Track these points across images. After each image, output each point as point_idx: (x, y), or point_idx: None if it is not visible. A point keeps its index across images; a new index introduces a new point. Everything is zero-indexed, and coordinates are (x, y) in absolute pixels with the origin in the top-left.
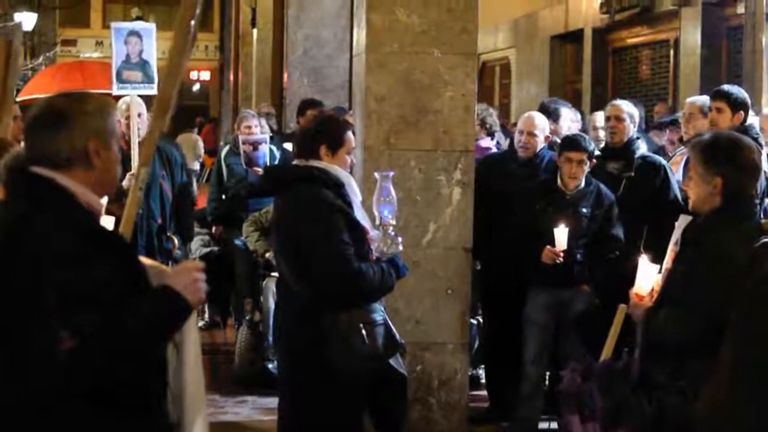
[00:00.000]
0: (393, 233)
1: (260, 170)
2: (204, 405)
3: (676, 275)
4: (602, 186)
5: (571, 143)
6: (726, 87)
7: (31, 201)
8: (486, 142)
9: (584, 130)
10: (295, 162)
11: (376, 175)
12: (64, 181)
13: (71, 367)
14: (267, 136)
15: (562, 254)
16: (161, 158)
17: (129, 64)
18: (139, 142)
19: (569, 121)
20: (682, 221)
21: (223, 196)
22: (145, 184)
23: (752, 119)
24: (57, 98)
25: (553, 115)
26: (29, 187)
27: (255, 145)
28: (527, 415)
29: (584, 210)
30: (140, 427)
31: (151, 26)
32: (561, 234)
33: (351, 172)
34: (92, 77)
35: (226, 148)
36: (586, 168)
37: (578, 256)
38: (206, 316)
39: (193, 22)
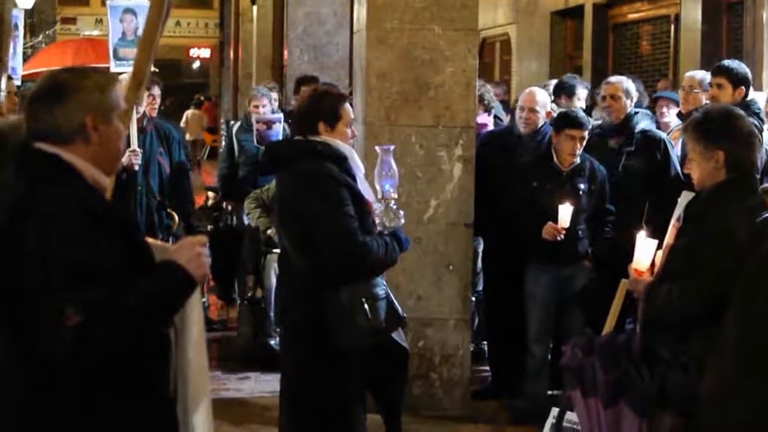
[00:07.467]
0: (395, 207)
1: None
2: (208, 382)
3: (679, 250)
4: (594, 161)
5: (572, 121)
6: (726, 62)
7: (36, 177)
8: (483, 118)
9: (592, 105)
10: (296, 137)
11: (377, 149)
12: (69, 156)
13: (77, 343)
14: (281, 114)
15: (563, 231)
16: (159, 135)
17: (125, 41)
18: None
19: (583, 100)
20: (684, 198)
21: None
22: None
23: (754, 95)
24: (59, 73)
25: (567, 91)
26: (34, 163)
27: (269, 123)
28: (534, 391)
29: (581, 186)
30: (141, 404)
31: (146, 2)
32: (565, 211)
33: (354, 145)
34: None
35: (238, 125)
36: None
37: (579, 232)
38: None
39: None
